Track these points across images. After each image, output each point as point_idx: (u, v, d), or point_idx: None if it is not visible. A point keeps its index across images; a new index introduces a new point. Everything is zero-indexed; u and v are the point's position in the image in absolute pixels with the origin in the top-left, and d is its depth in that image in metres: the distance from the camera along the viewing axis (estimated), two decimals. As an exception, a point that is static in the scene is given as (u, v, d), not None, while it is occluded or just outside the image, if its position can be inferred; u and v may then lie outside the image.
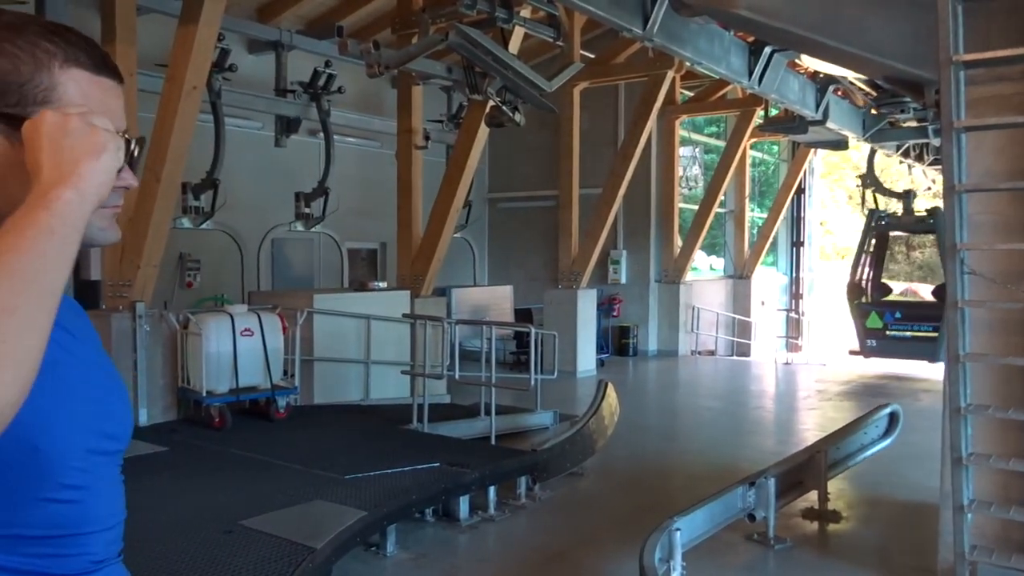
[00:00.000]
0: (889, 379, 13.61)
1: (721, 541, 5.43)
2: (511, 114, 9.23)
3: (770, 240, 19.51)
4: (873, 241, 13.98)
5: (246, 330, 8.14)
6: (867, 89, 11.49)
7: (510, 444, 7.98)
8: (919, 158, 15.44)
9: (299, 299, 9.71)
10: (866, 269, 13.90)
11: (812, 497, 6.34)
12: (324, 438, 7.70)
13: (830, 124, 11.72)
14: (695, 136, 18.63)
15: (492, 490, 6.42)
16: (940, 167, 15.87)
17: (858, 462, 6.94)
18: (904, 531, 6.16)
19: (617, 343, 16.51)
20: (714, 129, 19.59)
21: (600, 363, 14.69)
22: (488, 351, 8.21)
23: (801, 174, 19.38)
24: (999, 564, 4.39)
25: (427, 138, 12.07)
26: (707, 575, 5.09)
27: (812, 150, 17.87)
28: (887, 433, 7.27)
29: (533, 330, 8.30)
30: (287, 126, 12.06)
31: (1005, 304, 4.43)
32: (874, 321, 12.67)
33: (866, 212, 14.21)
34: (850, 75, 10.38)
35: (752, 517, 5.63)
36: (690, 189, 18.59)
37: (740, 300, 19.20)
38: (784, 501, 5.92)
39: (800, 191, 20.52)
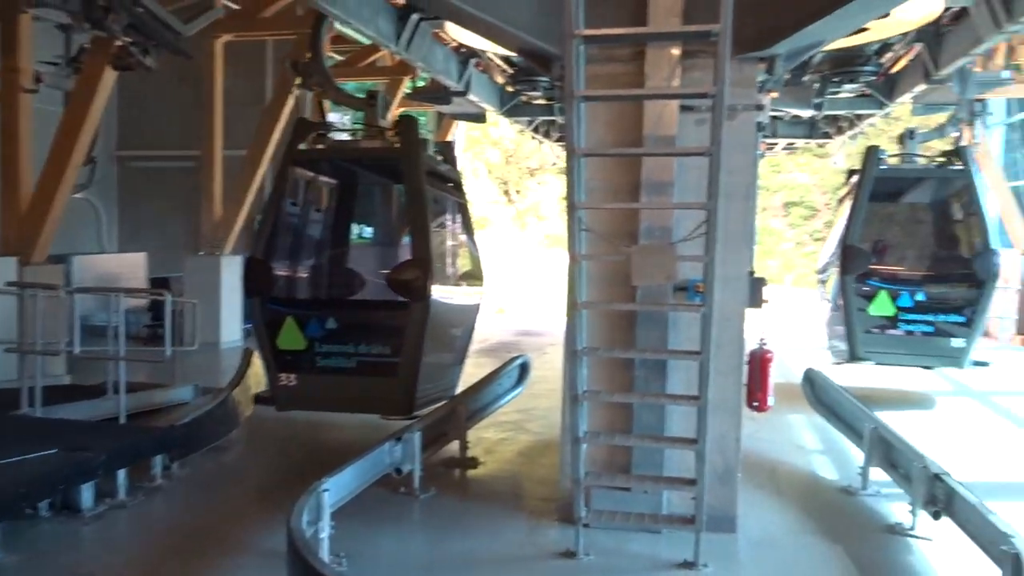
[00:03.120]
0: (521, 335, 14.97)
1: (370, 497, 5.51)
2: (141, 57, 8.33)
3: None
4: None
5: None
6: (504, 66, 12.29)
7: (146, 423, 7.32)
8: (546, 135, 16.96)
9: None
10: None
11: (454, 447, 6.70)
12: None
13: (472, 96, 12.32)
14: (346, 102, 18.50)
15: (122, 473, 5.83)
16: (564, 143, 17.58)
17: (495, 410, 7.50)
18: (533, 468, 6.80)
19: (266, 312, 15.93)
20: (365, 97, 19.62)
21: (247, 333, 14.05)
22: (117, 324, 7.38)
23: (446, 146, 20.27)
24: (607, 485, 5.04)
25: (39, 80, 10.44)
26: (356, 531, 5.12)
27: (455, 122, 18.74)
28: (519, 382, 7.95)
29: (169, 297, 7.63)
30: None
31: (613, 257, 5.03)
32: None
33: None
34: (489, 50, 11.01)
35: (399, 471, 5.81)
36: (341, 155, 18.46)
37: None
38: (429, 453, 6.19)
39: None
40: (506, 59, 11.68)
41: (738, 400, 5.26)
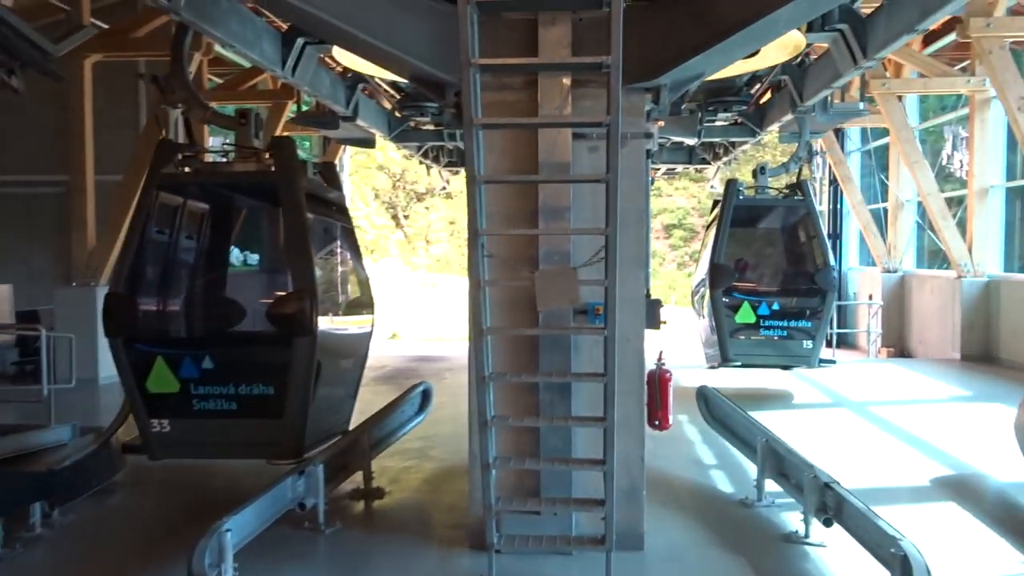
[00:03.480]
0: (417, 361, 14.85)
1: (274, 534, 5.33)
2: (7, 78, 7.80)
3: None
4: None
5: None
6: (392, 92, 12.25)
7: (21, 467, 6.80)
8: (436, 159, 17.00)
9: None
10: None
11: (358, 478, 6.57)
12: None
13: (360, 121, 12.20)
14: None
15: (-4, 525, 5.41)
16: (453, 168, 17.68)
17: (399, 438, 7.40)
18: (440, 495, 6.74)
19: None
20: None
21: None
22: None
23: (333, 170, 19.96)
24: (518, 510, 5.05)
25: None
26: (261, 572, 4.94)
27: (342, 147, 18.51)
28: (422, 409, 7.87)
29: (44, 333, 7.17)
30: None
31: (515, 282, 5.09)
32: None
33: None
34: (377, 76, 10.95)
35: (303, 506, 5.63)
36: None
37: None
38: (332, 486, 6.03)
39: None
40: (394, 85, 11.65)
41: (641, 419, 5.40)
